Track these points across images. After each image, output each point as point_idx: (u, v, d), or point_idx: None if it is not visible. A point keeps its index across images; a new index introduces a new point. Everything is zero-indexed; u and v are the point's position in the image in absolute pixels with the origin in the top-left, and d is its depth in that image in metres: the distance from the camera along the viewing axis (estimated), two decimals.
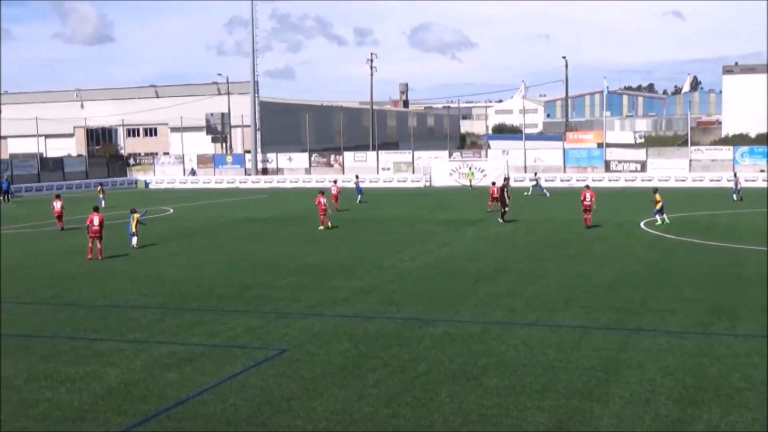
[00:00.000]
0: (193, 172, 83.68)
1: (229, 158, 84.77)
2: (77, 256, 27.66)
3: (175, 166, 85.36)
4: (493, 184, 43.84)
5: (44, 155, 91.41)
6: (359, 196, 51.31)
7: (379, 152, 79.95)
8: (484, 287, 20.06)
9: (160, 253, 28.28)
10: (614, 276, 21.31)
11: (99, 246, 26.96)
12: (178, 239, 32.69)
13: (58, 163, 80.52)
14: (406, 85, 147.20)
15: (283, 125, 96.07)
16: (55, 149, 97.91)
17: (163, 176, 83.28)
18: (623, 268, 22.64)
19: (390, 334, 15.56)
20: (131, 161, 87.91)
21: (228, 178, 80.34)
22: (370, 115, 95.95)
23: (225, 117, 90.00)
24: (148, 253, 28.31)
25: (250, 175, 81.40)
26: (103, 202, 54.63)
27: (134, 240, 29.50)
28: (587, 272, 21.96)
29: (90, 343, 15.27)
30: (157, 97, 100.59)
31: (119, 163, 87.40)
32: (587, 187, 34.13)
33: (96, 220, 27.28)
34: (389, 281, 21.41)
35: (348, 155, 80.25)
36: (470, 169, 69.26)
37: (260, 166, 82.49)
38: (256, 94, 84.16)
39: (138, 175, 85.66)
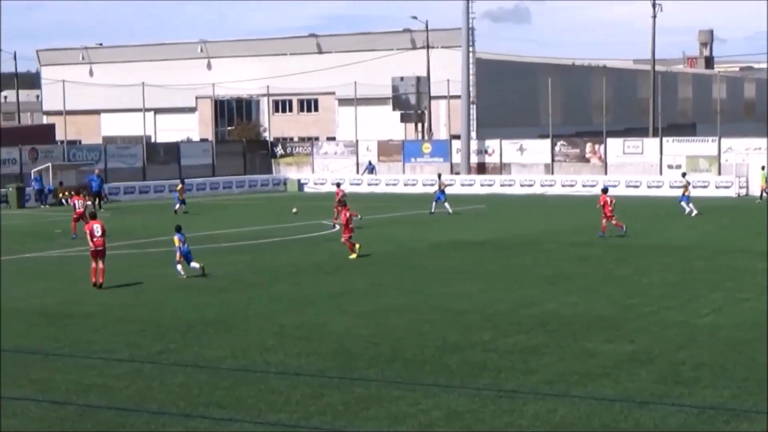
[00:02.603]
0: (370, 169, 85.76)
1: (427, 147, 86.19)
2: (196, 293, 29.10)
3: (344, 158, 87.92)
4: None
5: (152, 139, 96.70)
6: (435, 204, 55.80)
7: (664, 140, 78.61)
8: None
9: (318, 291, 29.17)
10: None
11: (101, 266, 29.44)
12: (346, 271, 33.59)
13: (172, 152, 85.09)
14: (710, 33, 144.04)
15: (512, 96, 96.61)
16: (169, 130, 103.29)
17: (326, 174, 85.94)
18: None
19: None
20: (279, 150, 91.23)
21: (424, 177, 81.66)
22: (651, 81, 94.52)
23: (422, 83, 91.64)
24: (300, 291, 29.30)
25: (458, 173, 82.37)
26: (178, 206, 56.87)
27: (179, 269, 32.09)
28: None
29: (212, 424, 15.98)
30: (320, 52, 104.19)
31: (261, 153, 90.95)
32: None
33: (97, 229, 29.78)
34: (676, 346, 21.07)
35: (614, 144, 79.53)
36: None
37: (474, 159, 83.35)
38: (470, 48, 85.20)
39: (288, 171, 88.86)
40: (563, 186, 76.43)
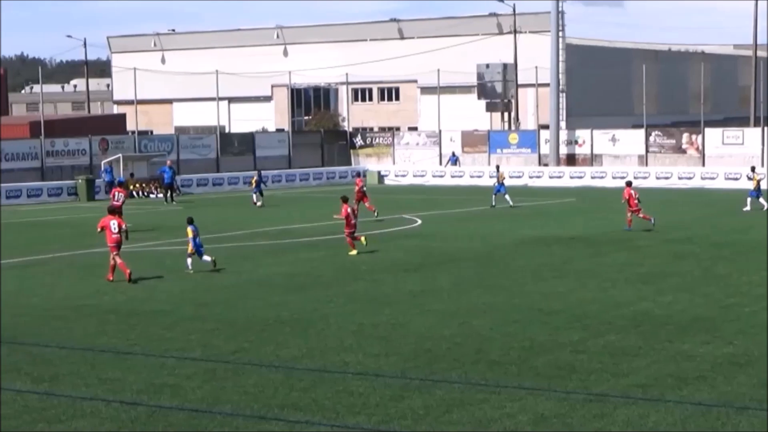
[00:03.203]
0: (454, 160, 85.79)
1: (514, 138, 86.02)
2: (271, 291, 29.36)
3: (427, 149, 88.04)
4: None
5: (227, 130, 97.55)
6: (495, 197, 56.89)
7: (766, 130, 77.47)
8: None
9: (398, 288, 29.30)
10: None
11: (119, 261, 30.94)
12: (428, 268, 33.69)
13: (246, 142, 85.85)
14: None
15: (604, 84, 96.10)
16: (243, 120, 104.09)
17: (407, 165, 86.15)
18: None
19: None
20: (358, 140, 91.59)
21: (511, 169, 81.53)
22: (752, 68, 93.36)
23: (509, 70, 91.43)
24: (379, 289, 29.45)
25: (547, 165, 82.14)
26: (255, 199, 56.42)
27: (189, 262, 33.03)
28: None
29: (288, 427, 16.12)
30: (401, 38, 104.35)
31: (339, 144, 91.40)
32: None
33: (114, 225, 31.49)
34: None
35: (712, 134, 78.76)
36: None
37: (564, 150, 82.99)
38: (560, 33, 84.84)
39: (368, 162, 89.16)
40: (658, 178, 75.87)
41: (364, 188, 51.28)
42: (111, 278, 31.13)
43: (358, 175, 54.47)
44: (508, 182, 78.19)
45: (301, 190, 76.79)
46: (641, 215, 43.19)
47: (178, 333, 23.46)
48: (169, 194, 65.81)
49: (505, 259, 35.54)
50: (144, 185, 71.62)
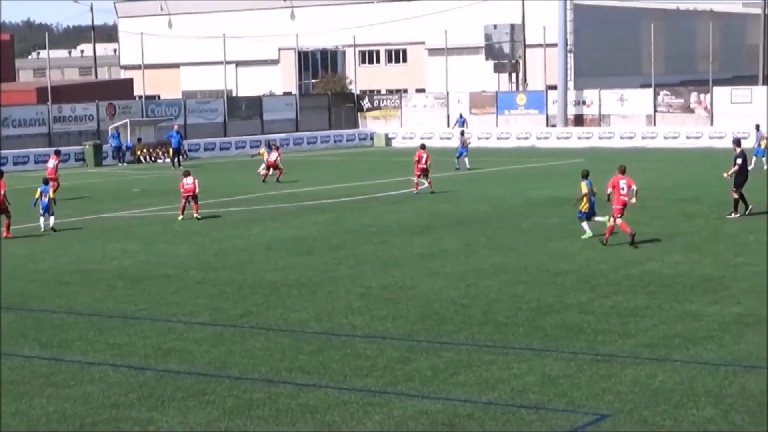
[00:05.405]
0: (461, 122, 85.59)
1: (522, 98, 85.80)
2: (279, 254, 29.39)
3: (434, 110, 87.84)
4: None
5: (234, 93, 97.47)
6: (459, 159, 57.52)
7: None
8: None
9: (405, 252, 29.32)
10: None
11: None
12: (435, 230, 33.72)
13: (254, 106, 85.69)
14: None
15: (612, 44, 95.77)
16: (251, 84, 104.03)
17: (415, 128, 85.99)
18: None
19: None
20: (365, 103, 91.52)
21: (518, 131, 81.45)
22: (761, 26, 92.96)
23: (516, 31, 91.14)
24: (387, 251, 29.46)
25: (554, 126, 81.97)
26: (262, 168, 54.33)
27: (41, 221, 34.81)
28: None
29: (296, 390, 16.20)
30: None
31: (346, 107, 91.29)
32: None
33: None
34: None
35: (721, 93, 78.48)
36: None
37: (572, 111, 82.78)
38: None
39: (376, 125, 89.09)
40: (666, 138, 75.64)
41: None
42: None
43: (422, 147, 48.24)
44: (514, 143, 78.57)
45: (308, 154, 76.77)
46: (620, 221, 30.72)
47: (185, 297, 23.52)
48: (176, 159, 65.76)
49: (514, 221, 35.53)
50: (151, 150, 71.55)
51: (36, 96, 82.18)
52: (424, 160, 44.32)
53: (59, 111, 72.09)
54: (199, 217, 36.63)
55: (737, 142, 36.77)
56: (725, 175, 36.21)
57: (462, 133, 62.93)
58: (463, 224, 34.85)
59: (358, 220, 36.42)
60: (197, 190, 36.71)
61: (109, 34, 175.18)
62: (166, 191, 47.90)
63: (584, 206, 30.64)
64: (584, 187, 30.63)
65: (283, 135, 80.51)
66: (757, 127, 59.17)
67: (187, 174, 37.25)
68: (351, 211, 38.71)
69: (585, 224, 30.68)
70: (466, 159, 57.74)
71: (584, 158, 64.01)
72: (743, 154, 35.65)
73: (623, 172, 30.69)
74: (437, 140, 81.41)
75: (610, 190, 30.45)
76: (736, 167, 35.08)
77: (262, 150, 56.24)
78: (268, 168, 51.90)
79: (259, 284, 24.88)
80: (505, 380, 16.39)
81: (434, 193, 43.85)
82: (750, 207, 34.79)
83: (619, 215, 30.01)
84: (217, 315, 21.63)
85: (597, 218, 30.76)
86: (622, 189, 30.18)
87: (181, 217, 36.86)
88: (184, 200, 36.99)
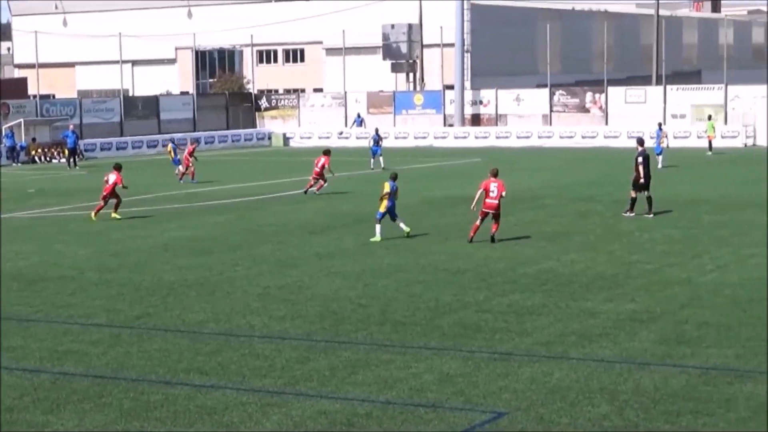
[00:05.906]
0: (359, 122, 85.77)
1: (419, 98, 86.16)
2: (177, 255, 29.19)
3: (332, 110, 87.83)
4: None
5: (130, 93, 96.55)
6: (374, 158, 57.90)
7: (668, 88, 78.67)
8: None
9: (304, 252, 29.28)
10: None
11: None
12: (333, 231, 33.72)
13: (150, 105, 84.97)
14: None
15: (508, 44, 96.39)
16: (147, 83, 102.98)
17: (313, 128, 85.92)
18: None
19: (677, 393, 15.45)
20: (263, 103, 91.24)
21: (416, 130, 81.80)
22: (654, 27, 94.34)
23: (414, 30, 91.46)
24: (285, 251, 29.40)
25: (452, 126, 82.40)
26: (178, 166, 54.43)
27: None
28: None
29: (193, 391, 16.11)
30: None
31: (244, 106, 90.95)
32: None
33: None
34: (679, 305, 21.26)
35: (615, 93, 79.61)
36: None
37: (469, 111, 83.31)
38: None
39: (273, 125, 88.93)
40: (561, 138, 76.59)
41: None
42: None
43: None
44: (412, 143, 78.89)
45: (206, 153, 76.06)
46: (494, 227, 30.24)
47: (82, 299, 23.24)
48: (72, 159, 64.93)
49: (411, 220, 35.57)
50: (46, 150, 70.58)
51: None
52: (321, 164, 44.20)
53: None
54: (118, 216, 36.35)
55: (641, 141, 37.09)
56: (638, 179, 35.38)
57: (376, 130, 62.65)
58: (361, 224, 34.85)
59: (256, 220, 36.31)
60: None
61: (2, 32, 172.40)
62: (62, 192, 47.34)
63: (383, 207, 30.74)
64: (387, 187, 30.72)
65: (180, 135, 79.59)
66: (660, 125, 60.05)
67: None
68: (250, 211, 38.59)
69: (378, 227, 30.72)
70: (381, 158, 57.79)
71: (481, 158, 64.50)
72: (644, 153, 35.79)
73: (495, 175, 30.47)
74: (335, 140, 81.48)
75: (480, 191, 30.18)
76: (643, 168, 35.09)
77: (169, 147, 55.95)
78: (185, 167, 51.45)
79: (156, 285, 24.69)
80: (404, 379, 16.45)
81: (320, 194, 43.66)
82: (652, 215, 34.75)
83: (483, 218, 29.86)
84: (114, 316, 21.42)
85: (402, 225, 31.01)
86: (492, 192, 29.92)
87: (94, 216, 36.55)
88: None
